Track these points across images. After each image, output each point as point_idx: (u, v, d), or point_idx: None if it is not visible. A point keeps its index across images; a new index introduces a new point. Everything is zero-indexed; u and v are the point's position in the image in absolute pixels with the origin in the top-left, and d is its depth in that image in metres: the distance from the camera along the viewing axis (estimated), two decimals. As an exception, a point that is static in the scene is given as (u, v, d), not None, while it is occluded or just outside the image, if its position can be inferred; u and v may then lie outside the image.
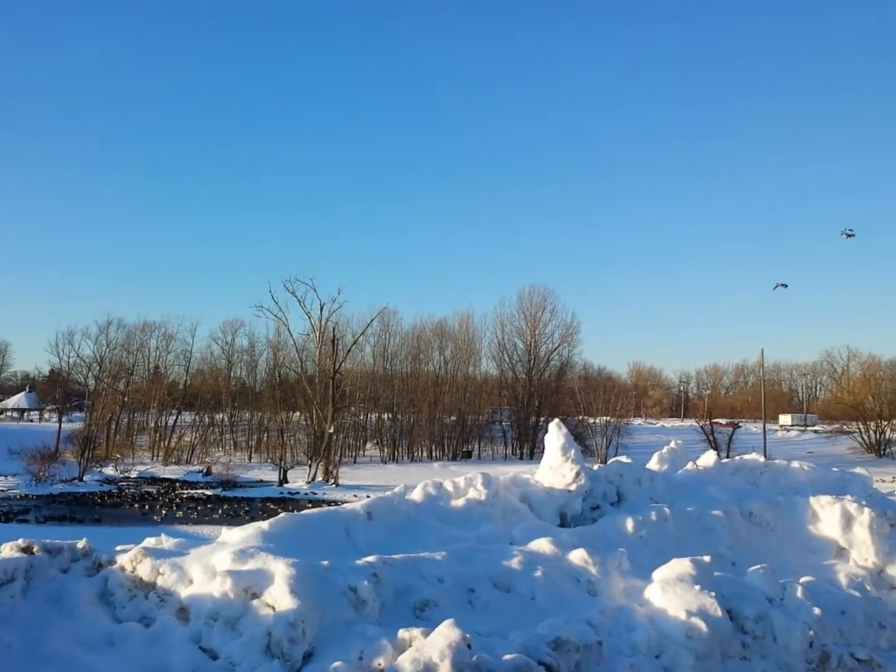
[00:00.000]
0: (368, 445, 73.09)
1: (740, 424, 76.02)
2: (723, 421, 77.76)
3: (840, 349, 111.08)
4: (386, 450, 70.91)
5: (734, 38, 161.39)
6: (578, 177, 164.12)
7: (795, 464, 12.80)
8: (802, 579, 8.42)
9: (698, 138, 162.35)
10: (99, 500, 37.02)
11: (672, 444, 13.07)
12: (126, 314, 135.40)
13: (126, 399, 73.42)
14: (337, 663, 5.53)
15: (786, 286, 55.30)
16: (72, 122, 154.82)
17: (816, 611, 7.70)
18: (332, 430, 50.60)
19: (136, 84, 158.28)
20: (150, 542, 7.33)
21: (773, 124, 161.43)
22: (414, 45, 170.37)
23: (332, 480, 47.22)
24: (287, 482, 46.89)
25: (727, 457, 19.84)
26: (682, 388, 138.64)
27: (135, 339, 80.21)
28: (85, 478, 46.76)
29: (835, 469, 13.42)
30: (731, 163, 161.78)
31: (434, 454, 71.38)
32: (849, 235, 45.29)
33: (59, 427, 62.42)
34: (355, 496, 33.80)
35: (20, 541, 6.66)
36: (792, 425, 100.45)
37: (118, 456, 58.80)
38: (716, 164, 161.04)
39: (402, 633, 5.84)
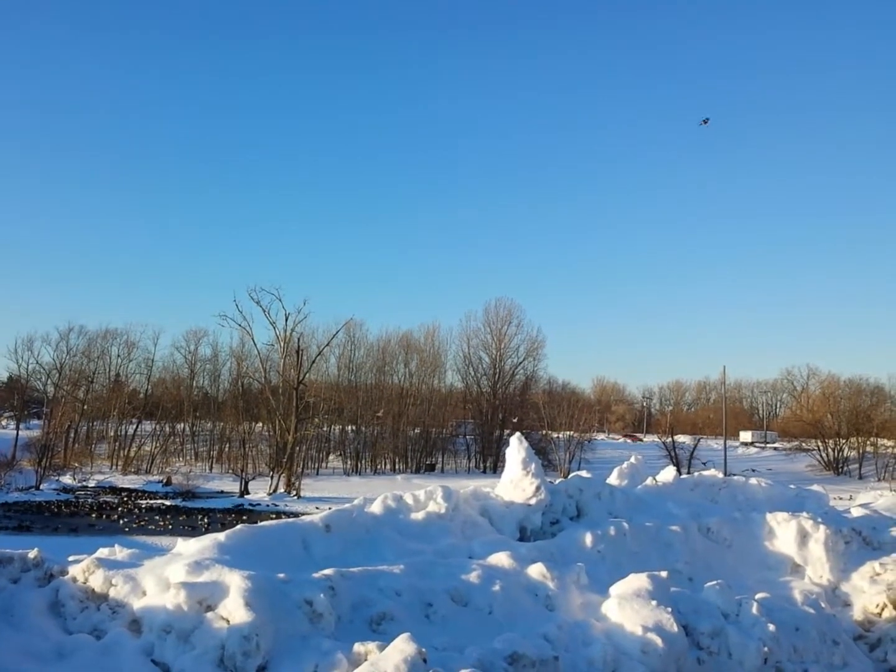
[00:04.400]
0: (331, 457, 72.59)
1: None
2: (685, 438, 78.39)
3: (800, 367, 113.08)
4: (349, 462, 70.50)
5: (718, 57, 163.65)
6: (546, 194, 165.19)
7: (753, 480, 12.96)
8: (758, 595, 8.51)
9: (662, 157, 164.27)
10: (56, 510, 36.35)
11: (632, 460, 13.17)
12: (88, 321, 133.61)
13: (85, 407, 72.34)
14: (291, 677, 5.49)
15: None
16: (34, 127, 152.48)
17: (771, 627, 7.78)
18: (294, 435, 50.25)
19: (108, 91, 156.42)
20: (103, 552, 7.22)
21: (742, 142, 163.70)
22: (394, 62, 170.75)
23: (294, 492, 46.83)
24: (248, 493, 46.44)
25: (688, 473, 20.02)
26: (644, 404, 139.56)
27: (96, 346, 79.07)
28: (42, 486, 45.88)
29: (792, 486, 13.60)
30: (695, 183, 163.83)
31: (398, 467, 71.11)
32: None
33: (17, 434, 61.32)
34: (317, 508, 33.50)
35: (-31, 550, 6.53)
36: (752, 442, 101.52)
37: (76, 465, 57.75)
38: (680, 182, 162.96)
39: (358, 647, 5.81)
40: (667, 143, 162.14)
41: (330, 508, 9.09)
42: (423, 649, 5.58)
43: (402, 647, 5.56)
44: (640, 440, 68.02)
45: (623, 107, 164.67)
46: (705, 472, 13.34)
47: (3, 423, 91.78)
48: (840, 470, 70.12)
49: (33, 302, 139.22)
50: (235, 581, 6.04)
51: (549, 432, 70.72)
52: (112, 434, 73.45)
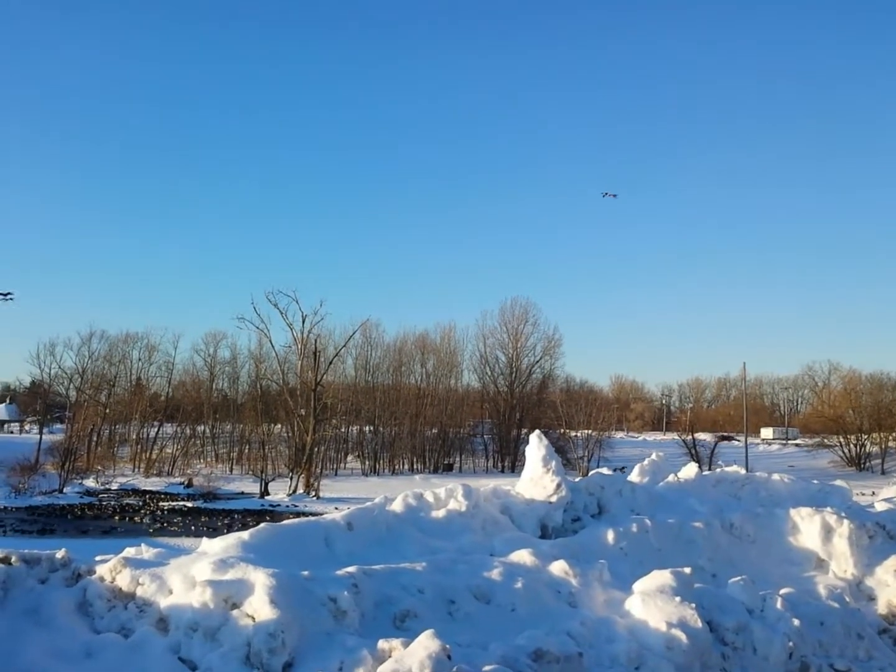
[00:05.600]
0: (350, 458, 72.78)
1: (733, 437, 76.02)
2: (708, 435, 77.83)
3: (821, 363, 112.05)
4: (367, 462, 70.66)
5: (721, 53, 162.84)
6: (560, 190, 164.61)
7: (776, 476, 12.89)
8: (782, 591, 8.47)
9: (679, 151, 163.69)
10: (79, 513, 36.66)
11: (653, 457, 13.12)
12: (108, 325, 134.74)
13: (108, 411, 72.89)
14: (316, 673, 5.52)
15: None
16: (52, 122, 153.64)
17: (796, 622, 7.75)
18: (313, 434, 50.40)
19: (124, 84, 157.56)
20: (129, 552, 7.29)
21: (756, 140, 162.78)
22: (411, 56, 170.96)
23: (314, 493, 47.00)
24: (268, 494, 46.67)
25: (709, 470, 19.94)
26: (664, 402, 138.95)
27: (117, 350, 79.73)
28: (65, 490, 46.26)
29: (815, 481, 13.52)
30: (714, 179, 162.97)
31: (415, 467, 71.21)
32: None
33: (40, 439, 61.86)
34: (336, 508, 33.55)
35: (-3, 551, 6.61)
36: (773, 439, 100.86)
37: (99, 468, 58.19)
38: (696, 179, 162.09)
39: (382, 644, 5.83)
40: (678, 140, 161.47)
41: (349, 508, 9.12)
42: (448, 645, 5.60)
43: (427, 643, 5.58)
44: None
45: (639, 100, 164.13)
46: (728, 469, 13.29)
47: (27, 427, 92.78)
48: (862, 466, 69.46)
49: (55, 307, 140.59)
50: (260, 579, 6.09)
51: (568, 431, 70.56)
52: (134, 437, 73.94)
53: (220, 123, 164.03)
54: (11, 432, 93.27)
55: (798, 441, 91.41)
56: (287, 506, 41.34)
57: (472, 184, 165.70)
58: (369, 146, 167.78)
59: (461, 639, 6.42)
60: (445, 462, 72.25)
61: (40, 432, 66.96)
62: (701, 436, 72.67)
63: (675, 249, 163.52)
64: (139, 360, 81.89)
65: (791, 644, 7.52)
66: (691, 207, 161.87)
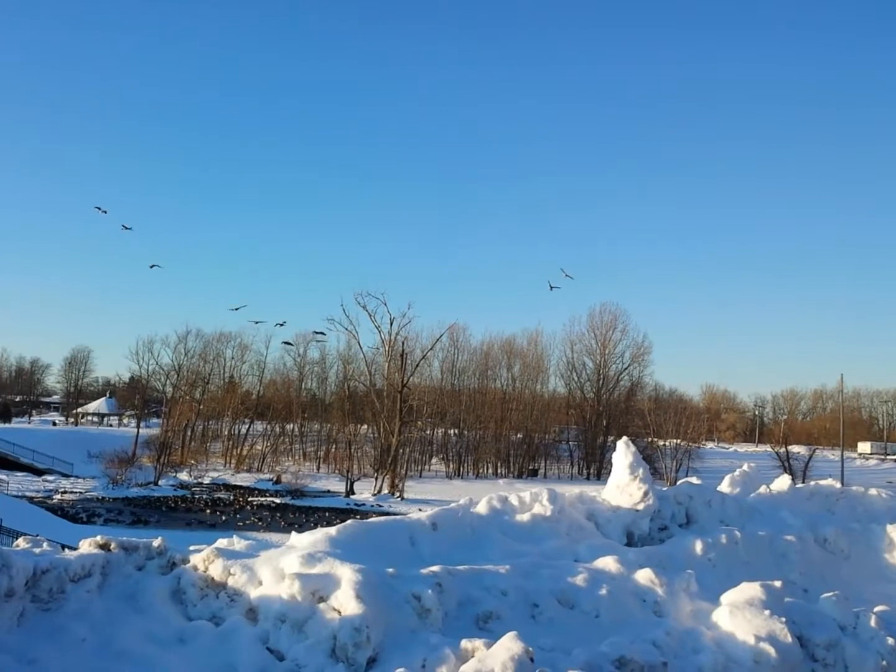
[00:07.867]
0: (434, 460, 73.16)
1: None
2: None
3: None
4: (451, 465, 70.85)
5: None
6: (653, 197, 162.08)
7: (873, 491, 12.46)
8: (877, 608, 8.16)
9: (777, 158, 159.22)
10: (172, 505, 37.91)
11: (745, 468, 12.84)
12: (204, 324, 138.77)
13: (201, 407, 75.12)
14: (400, 670, 5.59)
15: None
16: (151, 115, 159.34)
17: (890, 641, 7.46)
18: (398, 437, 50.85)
19: (240, 81, 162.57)
20: (222, 543, 7.51)
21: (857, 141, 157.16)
22: (479, 59, 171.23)
23: (398, 493, 47.47)
24: (353, 493, 47.38)
25: (803, 483, 19.37)
26: (757, 413, 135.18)
27: (211, 348, 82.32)
28: (160, 482, 47.90)
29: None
30: (815, 184, 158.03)
31: (499, 471, 71.03)
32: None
33: (137, 433, 64.19)
34: (420, 509, 33.69)
35: (98, 537, 6.88)
36: (871, 453, 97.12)
37: (192, 462, 60.14)
38: (797, 185, 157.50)
39: (465, 644, 5.86)
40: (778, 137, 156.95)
41: (433, 510, 9.20)
42: (531, 648, 5.60)
43: (510, 645, 5.59)
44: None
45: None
46: (822, 482, 12.89)
47: (125, 421, 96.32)
48: (966, 483, 66.36)
49: (154, 305, 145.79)
50: (347, 574, 6.19)
51: (656, 440, 69.33)
52: (226, 433, 76.02)
53: (320, 123, 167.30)
54: (111, 426, 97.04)
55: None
56: (372, 505, 41.89)
57: (563, 189, 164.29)
58: (459, 146, 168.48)
59: (544, 643, 6.40)
60: (530, 467, 71.92)
61: (137, 426, 69.46)
62: (795, 448, 70.50)
63: (767, 256, 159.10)
64: (232, 358, 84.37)
65: (885, 663, 7.25)
66: (785, 213, 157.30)
